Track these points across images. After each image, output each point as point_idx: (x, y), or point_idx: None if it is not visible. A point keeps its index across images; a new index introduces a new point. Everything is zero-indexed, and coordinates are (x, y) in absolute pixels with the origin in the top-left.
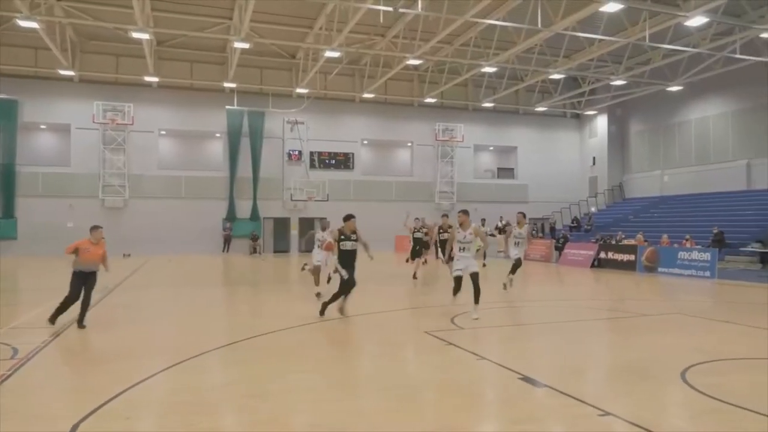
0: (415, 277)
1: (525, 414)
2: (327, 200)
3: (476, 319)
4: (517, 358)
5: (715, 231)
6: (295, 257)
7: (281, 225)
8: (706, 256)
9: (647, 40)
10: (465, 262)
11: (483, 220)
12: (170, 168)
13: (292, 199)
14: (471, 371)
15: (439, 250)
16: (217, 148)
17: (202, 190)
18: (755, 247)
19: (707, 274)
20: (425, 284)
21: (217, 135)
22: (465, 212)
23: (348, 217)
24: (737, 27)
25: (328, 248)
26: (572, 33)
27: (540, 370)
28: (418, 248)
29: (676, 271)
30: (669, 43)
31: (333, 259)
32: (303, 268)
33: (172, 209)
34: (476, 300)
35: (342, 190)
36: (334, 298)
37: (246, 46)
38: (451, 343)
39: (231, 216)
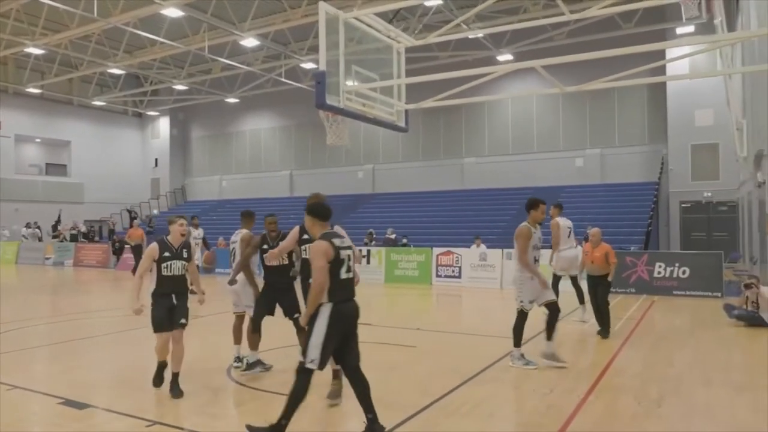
0: None
1: None
2: None
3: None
4: (58, 380)
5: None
6: None
7: None
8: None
9: (207, 51)
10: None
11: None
12: None
13: None
14: (1, 404)
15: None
16: None
17: None
18: None
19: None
20: None
21: None
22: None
23: None
24: (283, 54)
25: None
26: (132, 29)
27: (84, 390)
28: None
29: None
30: (227, 58)
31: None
32: None
33: None
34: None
35: None
36: None
37: None
38: None
39: None
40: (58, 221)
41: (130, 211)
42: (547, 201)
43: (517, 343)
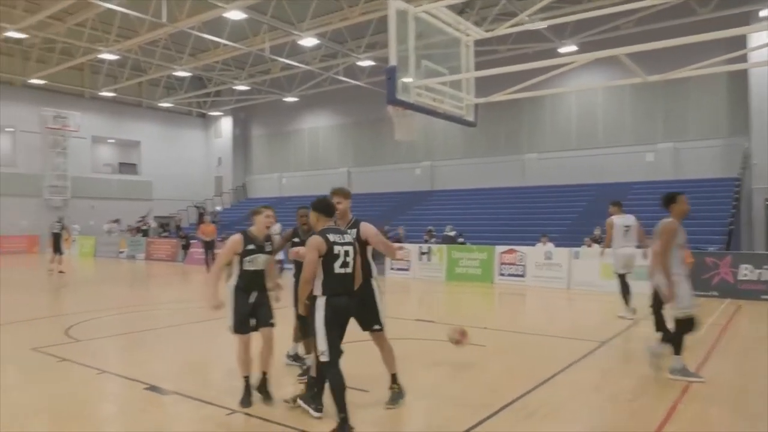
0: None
1: (150, 425)
2: None
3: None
4: (142, 367)
5: None
6: None
7: None
8: None
9: (268, 52)
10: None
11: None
12: None
13: None
14: (91, 388)
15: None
16: None
17: None
18: None
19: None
20: (40, 290)
21: None
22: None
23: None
24: (340, 52)
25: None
26: (198, 33)
27: (166, 377)
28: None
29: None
30: (286, 57)
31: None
32: None
33: None
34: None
35: None
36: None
37: None
38: (65, 359)
39: None
40: (145, 217)
41: (198, 207)
42: (614, 198)
43: (678, 350)
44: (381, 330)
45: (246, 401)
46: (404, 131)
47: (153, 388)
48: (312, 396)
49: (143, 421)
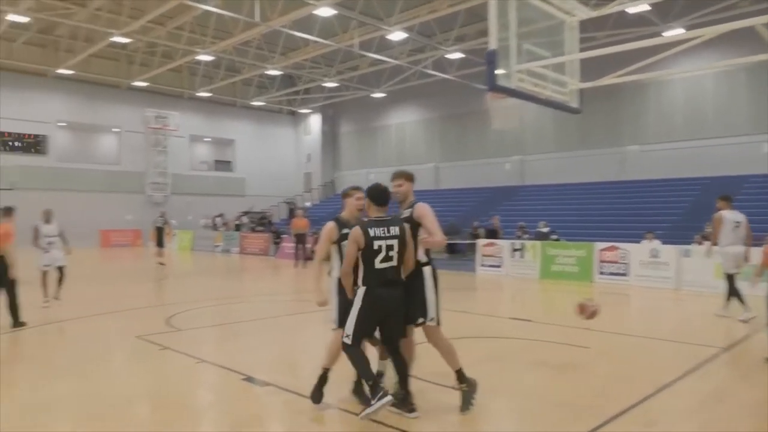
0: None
1: (247, 415)
2: (11, 189)
3: None
4: (238, 357)
5: None
6: None
7: None
8: None
9: (357, 47)
10: None
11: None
12: None
13: None
14: (190, 376)
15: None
16: None
17: None
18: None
19: None
20: (144, 281)
21: None
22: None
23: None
24: (428, 46)
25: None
26: (289, 31)
27: (263, 369)
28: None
29: None
30: (375, 53)
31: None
32: None
33: None
34: None
35: (32, 178)
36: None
37: None
38: (167, 347)
39: None
40: (246, 213)
41: (289, 203)
42: (725, 193)
43: None
44: (427, 323)
45: (317, 395)
46: (502, 120)
47: (249, 379)
48: (402, 400)
49: (240, 410)
